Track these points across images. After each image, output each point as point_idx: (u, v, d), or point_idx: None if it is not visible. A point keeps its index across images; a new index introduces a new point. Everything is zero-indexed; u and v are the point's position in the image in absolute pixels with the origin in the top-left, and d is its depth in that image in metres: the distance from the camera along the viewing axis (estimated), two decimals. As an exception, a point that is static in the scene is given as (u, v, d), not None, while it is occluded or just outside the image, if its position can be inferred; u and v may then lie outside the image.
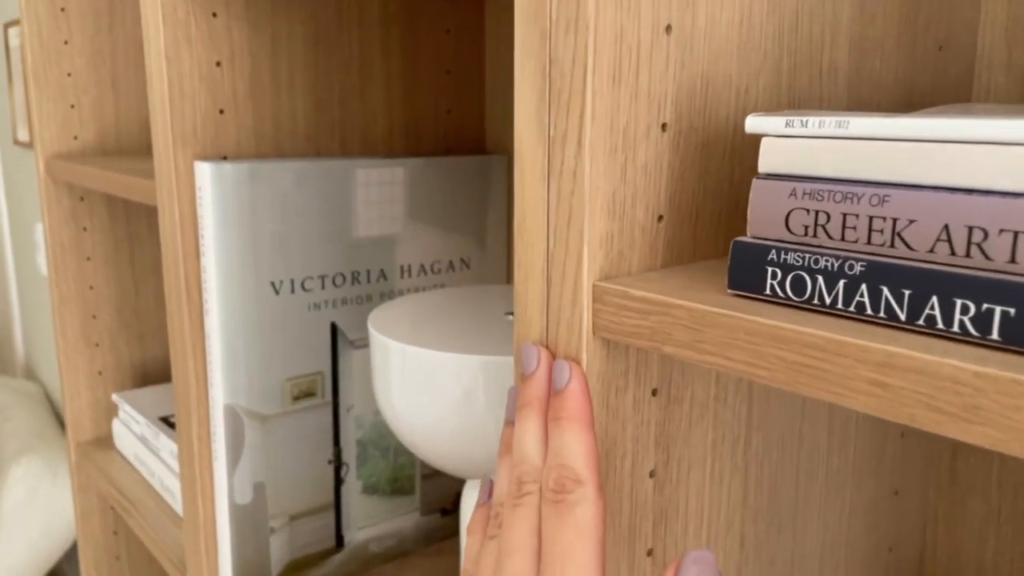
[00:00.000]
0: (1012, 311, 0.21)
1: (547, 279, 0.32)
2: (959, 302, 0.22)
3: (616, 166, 0.30)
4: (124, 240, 0.99)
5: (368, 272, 0.68)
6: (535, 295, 0.32)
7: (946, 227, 0.23)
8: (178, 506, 0.82)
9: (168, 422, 0.88)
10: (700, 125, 0.32)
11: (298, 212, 0.63)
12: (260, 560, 0.67)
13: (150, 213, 1.00)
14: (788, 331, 0.24)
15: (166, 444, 0.84)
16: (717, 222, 0.34)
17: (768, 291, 0.26)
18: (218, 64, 0.61)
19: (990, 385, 0.20)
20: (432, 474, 0.76)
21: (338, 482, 0.70)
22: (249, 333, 0.63)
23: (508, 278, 0.77)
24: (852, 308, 0.24)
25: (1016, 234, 0.21)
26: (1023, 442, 0.20)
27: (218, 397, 0.63)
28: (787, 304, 0.26)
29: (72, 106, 0.94)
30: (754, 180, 0.27)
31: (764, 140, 0.27)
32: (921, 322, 0.23)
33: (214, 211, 0.60)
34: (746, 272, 0.27)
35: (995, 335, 0.21)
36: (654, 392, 0.33)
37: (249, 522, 0.65)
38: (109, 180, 0.75)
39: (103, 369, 0.99)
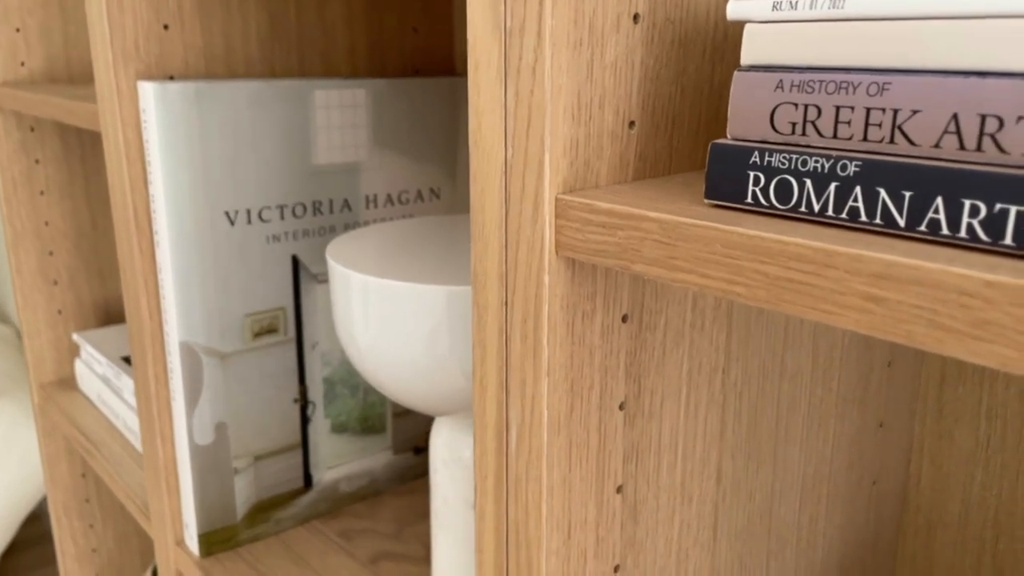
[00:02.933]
0: (1031, 211, 0.18)
1: (505, 193, 0.28)
2: (968, 203, 0.19)
3: (581, 62, 0.27)
4: (79, 173, 0.94)
5: (331, 202, 0.65)
6: (492, 212, 0.29)
7: (955, 117, 0.19)
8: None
9: (130, 362, 0.84)
10: (677, 17, 0.29)
11: (253, 137, 0.59)
12: (224, 501, 0.64)
13: (106, 145, 0.95)
14: (771, 242, 0.21)
15: (128, 384, 0.81)
16: (696, 131, 0.31)
17: (750, 199, 0.23)
18: (161, -25, 0.56)
19: (1003, 296, 0.17)
20: (404, 412, 0.73)
21: (305, 421, 0.67)
22: (204, 266, 0.59)
23: (480, 208, 0.74)
24: (844, 215, 0.21)
25: (1038, 121, 0.18)
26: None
27: (173, 334, 0.60)
28: (771, 213, 0.23)
29: (17, 29, 0.88)
30: (735, 73, 0.24)
31: (747, 27, 0.24)
32: (923, 228, 0.20)
33: (160, 134, 0.56)
34: (725, 178, 0.24)
35: (1008, 240, 0.19)
36: (624, 318, 0.31)
37: (211, 463, 0.63)
38: (51, 105, 0.70)
39: (63, 308, 0.96)
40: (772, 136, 0.23)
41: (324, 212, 0.64)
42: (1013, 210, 0.18)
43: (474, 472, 0.33)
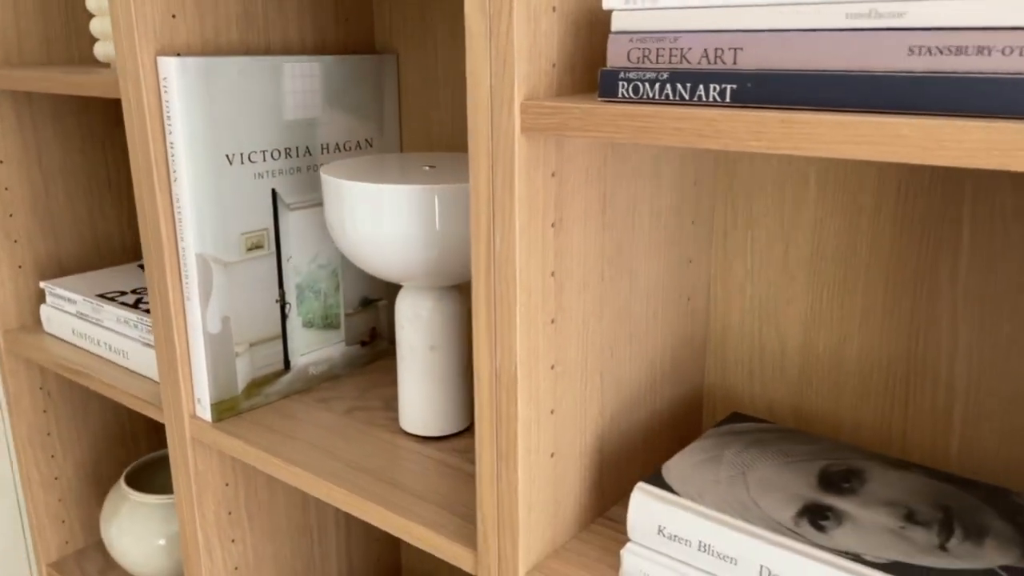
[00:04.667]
0: (735, 86, 0.45)
1: (490, 104, 0.53)
2: (712, 85, 0.46)
3: (529, 32, 0.52)
4: (32, 144, 1.09)
5: (297, 148, 0.86)
6: (483, 113, 0.54)
7: (705, 49, 0.46)
8: (130, 363, 0.97)
9: (106, 297, 1.01)
10: (577, 8, 0.54)
11: (243, 98, 0.80)
12: (229, 379, 0.85)
13: (55, 119, 1.10)
14: (632, 110, 0.48)
15: (111, 314, 0.98)
16: (585, 68, 0.57)
17: (619, 95, 0.49)
18: (170, -22, 0.76)
19: (725, 118, 0.44)
20: (353, 313, 0.96)
21: (284, 317, 0.89)
22: (211, 195, 0.80)
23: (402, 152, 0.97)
24: (663, 97, 0.48)
25: (736, 50, 0.45)
26: (738, 142, 0.44)
27: (190, 247, 0.80)
28: (630, 101, 0.49)
29: (-24, 21, 1.02)
30: (610, 35, 0.50)
31: (614, 12, 0.50)
32: (695, 99, 0.47)
33: (180, 96, 0.76)
34: (608, 86, 0.50)
35: (728, 100, 0.45)
36: (552, 174, 0.56)
37: (220, 347, 0.83)
38: (59, 82, 0.87)
39: (23, 263, 1.10)
40: (628, 64, 0.49)
41: (293, 156, 0.86)
42: (728, 87, 0.45)
43: (471, 268, 0.57)
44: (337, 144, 0.90)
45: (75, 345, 1.05)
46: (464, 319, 0.79)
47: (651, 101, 0.48)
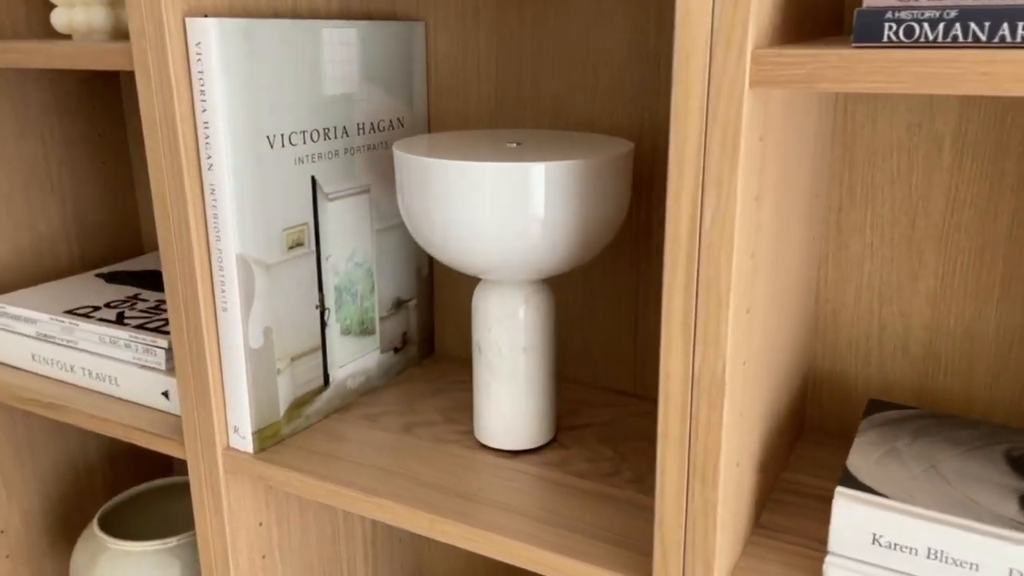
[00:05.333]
0: (1055, 22, 0.39)
1: (709, 52, 0.45)
2: (1020, 23, 0.39)
3: (762, -33, 0.44)
4: (-40, 136, 0.90)
5: (335, 128, 0.74)
6: (697, 64, 0.45)
7: (1009, -18, 0.40)
8: (120, 390, 0.81)
9: (77, 314, 0.85)
10: (790, -56, 0.47)
11: (283, 69, 0.67)
12: (271, 401, 0.72)
13: (-13, 105, 0.92)
14: (917, 55, 0.40)
15: (91, 333, 0.82)
16: (800, 20, 0.49)
17: (885, 39, 0.42)
18: (195, -80, 0.63)
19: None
20: (387, 317, 0.84)
21: (323, 325, 0.76)
22: (253, 185, 0.67)
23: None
24: (948, 39, 0.41)
25: (1052, -19, 0.39)
26: (1018, 83, 0.38)
27: (230, 248, 0.66)
28: (899, 45, 0.42)
29: None
30: (868, -31, 0.42)
31: (871, -57, 0.42)
32: (996, 39, 0.40)
33: (220, 65, 0.62)
34: (868, 30, 0.42)
35: (1043, 38, 0.39)
36: (761, 138, 0.48)
37: (261, 364, 0.70)
38: (39, 53, 0.70)
39: (-46, 280, 0.91)
40: (895, 3, 0.42)
41: (331, 137, 0.74)
42: (1043, 24, 0.39)
43: (666, 242, 0.48)
44: (372, 124, 0.78)
45: (37, 373, 0.87)
46: (556, 317, 0.70)
47: (930, 44, 0.41)
